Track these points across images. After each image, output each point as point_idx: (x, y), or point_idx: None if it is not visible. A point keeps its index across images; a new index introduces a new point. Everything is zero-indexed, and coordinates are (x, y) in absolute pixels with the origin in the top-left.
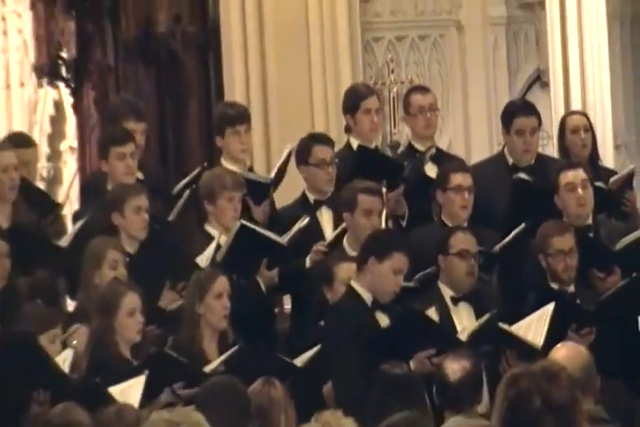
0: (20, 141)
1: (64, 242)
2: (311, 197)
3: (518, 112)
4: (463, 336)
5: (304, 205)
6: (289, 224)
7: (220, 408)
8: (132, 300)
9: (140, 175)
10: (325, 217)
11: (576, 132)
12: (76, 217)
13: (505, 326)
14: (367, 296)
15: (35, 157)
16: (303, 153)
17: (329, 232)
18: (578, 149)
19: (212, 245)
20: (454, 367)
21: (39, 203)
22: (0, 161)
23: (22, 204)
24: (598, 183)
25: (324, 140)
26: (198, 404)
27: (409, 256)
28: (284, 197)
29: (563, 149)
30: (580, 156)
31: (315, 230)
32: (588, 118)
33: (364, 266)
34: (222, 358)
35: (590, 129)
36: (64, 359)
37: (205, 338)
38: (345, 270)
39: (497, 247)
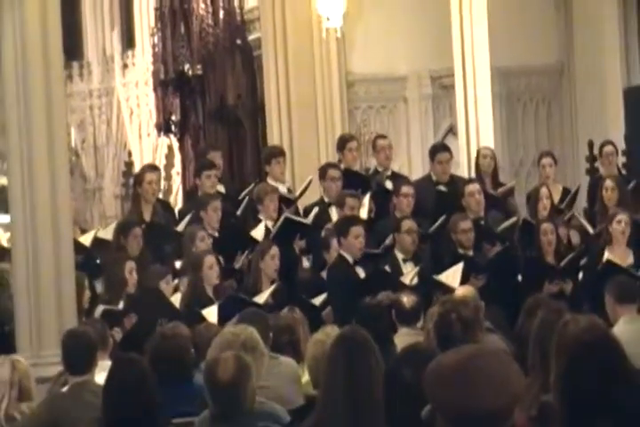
0: (156, 168)
1: (180, 228)
2: (326, 199)
3: (439, 150)
4: (406, 280)
5: (321, 203)
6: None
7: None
8: (209, 258)
9: (222, 188)
10: (333, 211)
11: (485, 157)
12: (180, 213)
13: (435, 276)
14: (350, 258)
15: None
16: (323, 173)
17: (334, 218)
18: (485, 169)
19: (262, 226)
20: (408, 300)
21: (164, 206)
22: (146, 177)
23: (157, 206)
24: (492, 191)
25: (334, 165)
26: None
27: (362, 225)
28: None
29: (477, 169)
30: (487, 172)
31: (327, 218)
32: (492, 151)
33: (340, 242)
34: (268, 291)
35: (494, 158)
36: (176, 300)
37: (263, 283)
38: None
39: (430, 229)
